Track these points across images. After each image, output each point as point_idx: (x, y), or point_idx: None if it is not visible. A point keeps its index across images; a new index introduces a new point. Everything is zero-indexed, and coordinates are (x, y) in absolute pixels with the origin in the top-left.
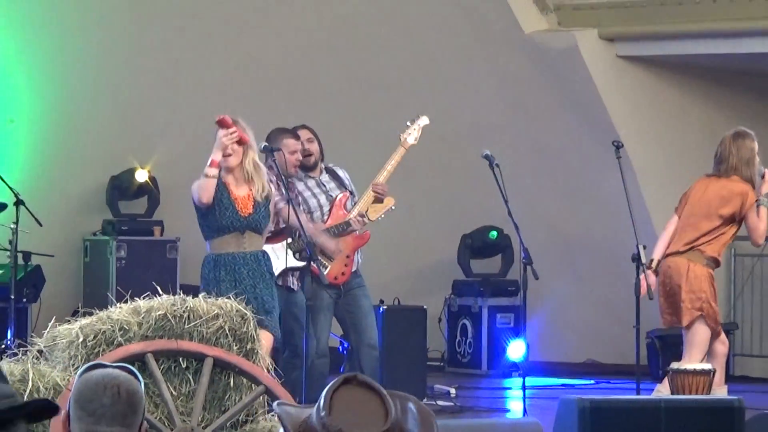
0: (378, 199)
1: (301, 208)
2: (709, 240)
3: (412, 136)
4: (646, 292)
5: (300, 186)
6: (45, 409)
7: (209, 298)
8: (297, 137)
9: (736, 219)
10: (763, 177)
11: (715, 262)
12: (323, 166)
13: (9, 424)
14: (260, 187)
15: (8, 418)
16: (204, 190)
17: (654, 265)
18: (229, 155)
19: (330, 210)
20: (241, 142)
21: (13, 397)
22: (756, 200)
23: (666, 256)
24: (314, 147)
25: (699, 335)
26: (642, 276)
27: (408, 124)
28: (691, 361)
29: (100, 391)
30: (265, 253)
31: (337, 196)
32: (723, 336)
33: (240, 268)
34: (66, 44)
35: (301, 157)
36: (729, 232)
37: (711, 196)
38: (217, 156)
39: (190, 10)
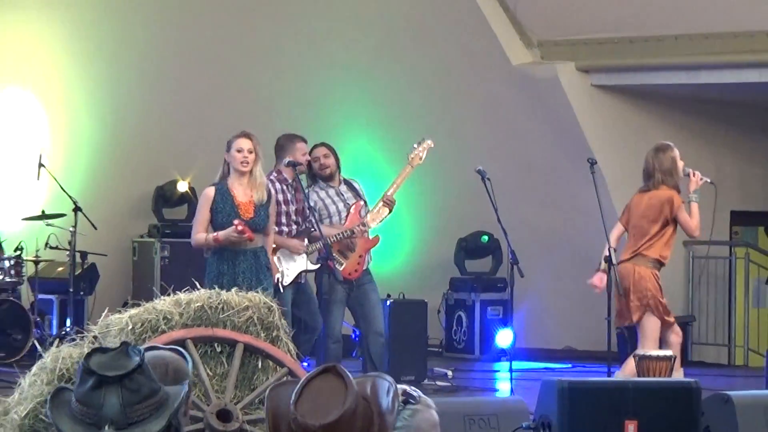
0: (389, 209)
1: (322, 213)
2: (651, 244)
3: (418, 155)
4: (604, 286)
5: (321, 194)
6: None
7: (240, 292)
8: (304, 140)
9: (670, 222)
10: (688, 176)
11: (659, 262)
12: (342, 178)
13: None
14: (261, 194)
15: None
16: (196, 244)
17: (602, 265)
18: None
19: (347, 215)
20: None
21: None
22: (688, 198)
23: (618, 263)
24: (330, 161)
25: (649, 327)
26: (598, 275)
27: (415, 145)
28: (646, 350)
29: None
30: (263, 247)
31: (353, 204)
32: (676, 327)
33: (240, 263)
34: (118, 73)
35: (309, 157)
36: (667, 233)
37: (645, 208)
38: (220, 237)
39: (223, 43)
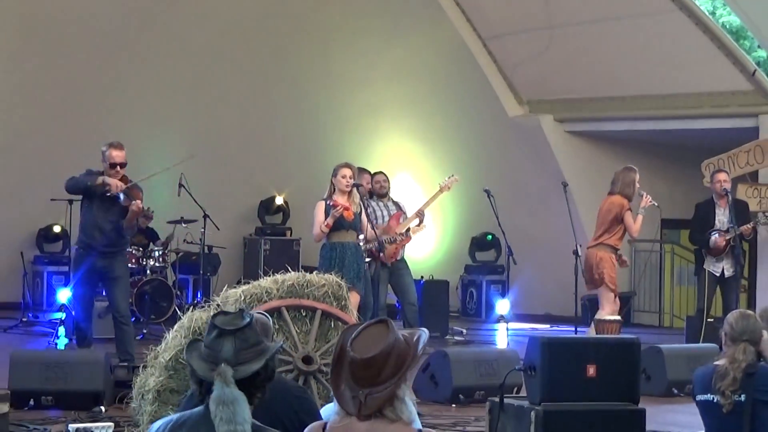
0: (420, 220)
1: (371, 217)
2: (609, 236)
3: (447, 185)
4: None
5: (374, 205)
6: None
7: (320, 274)
8: (369, 172)
9: (620, 220)
10: (642, 196)
11: (614, 249)
12: (391, 197)
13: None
14: (357, 205)
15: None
16: (317, 237)
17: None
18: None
19: (388, 221)
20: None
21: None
22: (638, 211)
23: (588, 248)
24: (387, 185)
25: (606, 296)
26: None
27: (446, 178)
28: (604, 313)
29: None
30: (358, 243)
31: (393, 214)
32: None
33: (347, 251)
34: (229, 117)
35: (371, 186)
36: (621, 228)
37: (605, 210)
38: (330, 221)
39: (304, 98)
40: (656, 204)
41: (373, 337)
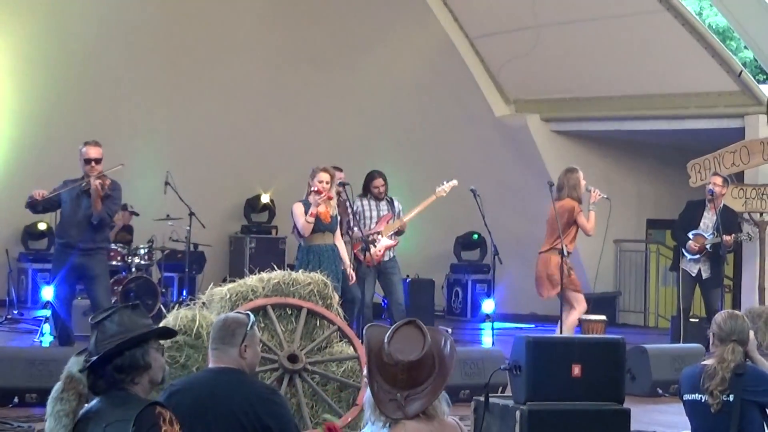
0: (401, 229)
1: (360, 216)
2: (561, 239)
3: (443, 190)
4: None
5: (365, 204)
6: (167, 332)
7: (305, 272)
8: (341, 169)
9: (571, 223)
10: (590, 191)
11: (567, 252)
12: (388, 198)
13: (144, 343)
14: (334, 209)
15: (146, 338)
16: (306, 229)
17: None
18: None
19: (377, 222)
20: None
21: (149, 325)
22: (589, 208)
23: (539, 253)
24: (384, 188)
25: (574, 296)
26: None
27: (444, 182)
28: (576, 314)
29: (215, 326)
30: (335, 245)
31: (384, 216)
32: (581, 296)
33: (323, 254)
34: (216, 119)
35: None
36: (572, 231)
37: (556, 214)
38: (313, 209)
39: (291, 78)
40: (606, 196)
41: (410, 340)
